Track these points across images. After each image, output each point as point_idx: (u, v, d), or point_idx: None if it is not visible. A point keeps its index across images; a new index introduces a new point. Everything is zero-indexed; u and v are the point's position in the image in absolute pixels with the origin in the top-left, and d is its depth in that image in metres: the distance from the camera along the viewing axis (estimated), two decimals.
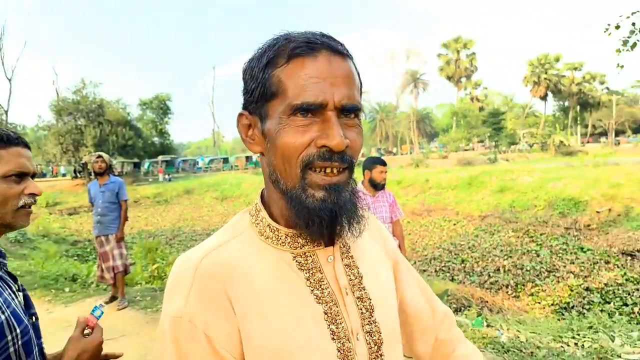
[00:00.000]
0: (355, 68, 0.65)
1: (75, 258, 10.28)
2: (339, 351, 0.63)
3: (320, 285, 0.65)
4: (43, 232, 13.53)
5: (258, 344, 0.59)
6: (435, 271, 9.66)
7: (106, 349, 1.11)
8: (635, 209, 10.34)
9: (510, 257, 9.49)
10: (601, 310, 7.20)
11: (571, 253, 9.18)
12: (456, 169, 20.28)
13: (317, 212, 0.60)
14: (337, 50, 0.61)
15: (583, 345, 4.09)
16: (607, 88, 53.67)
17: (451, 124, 53.99)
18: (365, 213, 0.76)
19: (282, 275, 0.64)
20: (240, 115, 0.67)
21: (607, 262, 8.58)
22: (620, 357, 3.63)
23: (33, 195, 1.03)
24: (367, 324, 0.67)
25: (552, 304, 7.70)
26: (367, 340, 0.67)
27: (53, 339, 1.44)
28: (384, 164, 4.00)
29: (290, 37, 0.61)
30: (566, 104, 56.64)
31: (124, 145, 30.69)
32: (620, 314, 6.95)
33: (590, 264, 8.64)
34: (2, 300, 0.89)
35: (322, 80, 0.58)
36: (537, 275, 8.62)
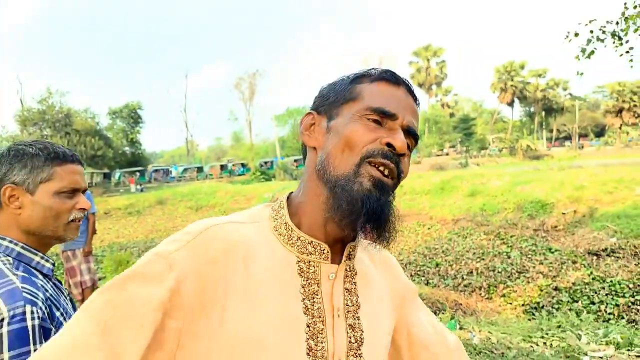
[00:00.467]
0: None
1: None
2: None
3: (313, 298, 0.64)
4: None
5: (233, 327, 0.58)
6: (411, 275, 9.76)
7: None
8: (599, 210, 10.78)
9: (483, 259, 9.70)
10: (569, 309, 7.44)
11: (540, 254, 9.47)
12: (429, 174, 20.65)
13: (361, 200, 0.60)
14: (413, 92, 0.70)
15: (551, 344, 4.22)
16: (570, 94, 56.12)
17: (423, 130, 55.11)
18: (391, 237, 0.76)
19: (280, 273, 0.63)
20: (309, 114, 0.71)
21: (574, 262, 8.89)
22: (586, 354, 3.76)
23: (83, 209, 1.09)
24: (353, 355, 0.65)
25: (522, 304, 7.90)
26: None
27: None
28: None
29: (377, 68, 0.70)
30: (532, 109, 58.80)
31: (93, 155, 29.87)
32: (588, 313, 7.20)
33: (558, 264, 8.93)
34: (62, 309, 0.96)
35: (399, 102, 0.66)
36: (509, 277, 8.84)
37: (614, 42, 6.32)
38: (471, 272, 9.24)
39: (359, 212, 0.60)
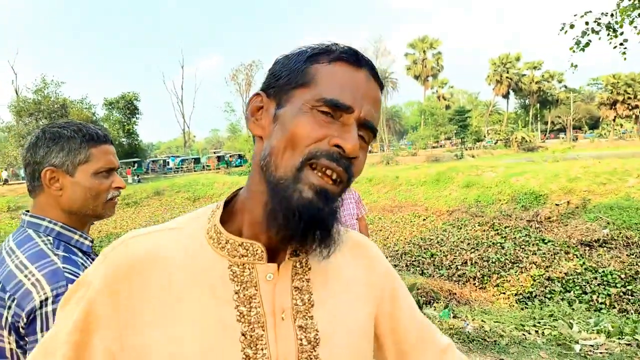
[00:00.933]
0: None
1: None
2: None
3: (250, 303, 0.58)
4: (4, 237, 12.94)
5: (155, 344, 0.55)
6: (406, 266, 9.87)
7: None
8: (592, 201, 10.90)
9: (477, 250, 9.81)
10: (562, 299, 7.57)
11: (533, 244, 9.59)
12: (425, 166, 20.75)
13: (299, 211, 0.54)
14: (376, 75, 0.62)
15: (543, 332, 4.30)
16: (565, 86, 56.24)
17: (420, 122, 55.07)
18: (355, 237, 0.73)
19: (208, 281, 0.58)
20: (257, 94, 0.63)
21: (567, 253, 9.01)
22: (578, 343, 3.85)
23: (118, 188, 1.13)
24: (306, 359, 0.59)
25: (516, 294, 8.02)
26: None
27: None
28: None
29: (338, 44, 0.61)
30: (527, 101, 58.92)
31: None
32: (580, 302, 7.33)
33: (551, 255, 9.05)
34: None
35: (357, 90, 0.58)
36: (502, 267, 8.95)
37: (608, 35, 6.35)
38: (465, 263, 9.35)
39: (296, 226, 0.55)
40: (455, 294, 7.55)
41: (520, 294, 7.99)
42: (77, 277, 0.95)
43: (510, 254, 9.36)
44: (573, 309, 6.35)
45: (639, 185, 11.05)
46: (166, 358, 0.55)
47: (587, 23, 6.45)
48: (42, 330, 0.88)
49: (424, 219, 12.58)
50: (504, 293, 8.12)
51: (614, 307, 7.21)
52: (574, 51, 6.64)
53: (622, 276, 7.93)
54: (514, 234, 10.22)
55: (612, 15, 6.31)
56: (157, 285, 0.57)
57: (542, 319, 5.14)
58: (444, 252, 10.02)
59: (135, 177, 31.86)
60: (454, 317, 5.08)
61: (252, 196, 0.61)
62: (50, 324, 0.87)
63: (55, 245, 1.03)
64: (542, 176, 12.76)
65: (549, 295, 7.83)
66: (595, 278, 8.06)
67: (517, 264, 8.95)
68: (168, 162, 42.01)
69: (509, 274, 8.64)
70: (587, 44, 6.54)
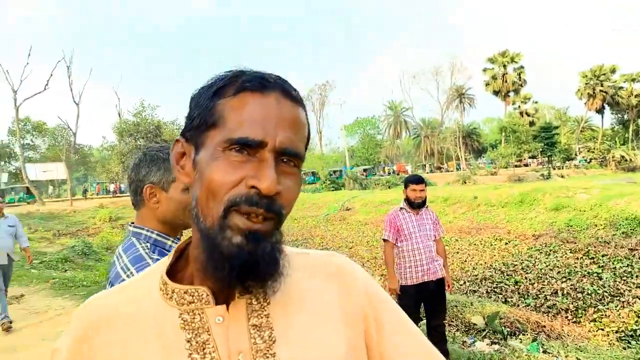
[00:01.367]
0: (306, 117, 0.62)
1: None
2: None
3: (204, 349, 0.57)
4: (107, 245, 14.52)
5: None
6: (487, 292, 9.32)
7: None
8: None
9: (569, 279, 9.00)
10: None
11: (637, 276, 8.58)
12: (506, 186, 19.57)
13: (229, 259, 0.53)
14: (289, 93, 0.59)
15: None
16: None
17: (500, 140, 52.23)
18: (324, 260, 0.69)
19: (161, 334, 0.57)
20: (177, 141, 0.63)
21: None
22: None
23: None
24: None
25: (616, 331, 7.22)
26: None
27: None
28: (418, 182, 3.99)
29: (244, 71, 0.59)
30: (625, 116, 53.43)
31: None
32: None
33: None
34: None
35: (267, 119, 0.55)
36: (600, 300, 8.11)
37: None
38: (556, 293, 8.61)
39: (230, 274, 0.54)
40: (545, 326, 6.97)
41: (622, 331, 7.15)
42: None
43: (609, 285, 8.45)
44: None
45: None
46: None
47: None
48: None
49: (506, 243, 11.83)
50: (603, 329, 7.32)
51: None
52: None
53: None
54: (613, 263, 9.22)
55: None
56: (115, 342, 0.58)
57: None
58: (530, 279, 9.32)
59: None
60: (544, 352, 4.71)
61: (195, 245, 0.60)
62: None
63: (152, 250, 1.22)
64: None
65: None
66: None
67: (618, 298, 8.04)
68: None
69: (608, 308, 7.79)
70: None
